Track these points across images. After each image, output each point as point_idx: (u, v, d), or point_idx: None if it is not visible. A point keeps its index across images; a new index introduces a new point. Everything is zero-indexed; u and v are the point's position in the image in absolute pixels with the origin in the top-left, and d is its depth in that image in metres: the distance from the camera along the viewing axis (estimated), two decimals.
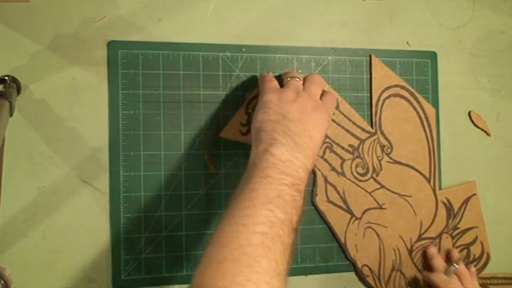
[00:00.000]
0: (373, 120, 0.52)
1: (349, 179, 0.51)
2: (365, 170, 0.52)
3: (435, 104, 0.54)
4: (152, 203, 0.47)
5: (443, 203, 0.54)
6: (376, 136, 0.52)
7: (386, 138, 0.52)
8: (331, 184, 0.51)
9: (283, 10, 0.51)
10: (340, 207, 0.51)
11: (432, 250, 0.52)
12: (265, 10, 0.50)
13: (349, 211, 0.51)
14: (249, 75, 0.49)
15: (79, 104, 0.46)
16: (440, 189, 0.54)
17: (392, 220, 0.52)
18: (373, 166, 0.52)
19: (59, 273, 0.45)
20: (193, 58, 0.48)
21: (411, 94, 0.53)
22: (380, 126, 0.52)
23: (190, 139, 0.48)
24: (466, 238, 0.54)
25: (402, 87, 0.53)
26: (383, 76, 0.52)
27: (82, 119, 0.46)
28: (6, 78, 0.42)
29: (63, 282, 0.45)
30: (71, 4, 0.46)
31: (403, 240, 0.52)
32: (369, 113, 0.52)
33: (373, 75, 0.52)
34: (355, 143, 0.51)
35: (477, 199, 0.55)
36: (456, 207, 0.54)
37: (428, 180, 0.53)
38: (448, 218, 0.54)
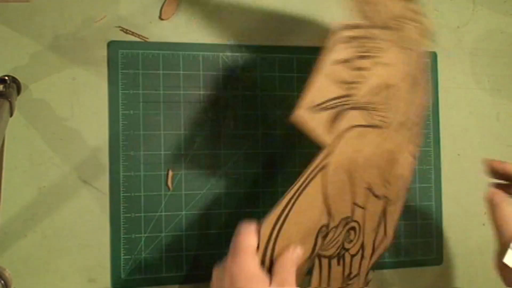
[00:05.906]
0: None
1: None
2: None
3: (435, 104, 0.54)
4: (152, 203, 0.47)
5: None
6: None
7: None
8: None
9: (283, 10, 0.51)
10: None
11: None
12: (265, 10, 0.50)
13: None
14: (249, 75, 0.49)
15: (79, 104, 0.46)
16: None
17: None
18: None
19: (59, 273, 0.45)
20: (193, 58, 0.48)
21: None
22: None
23: (190, 139, 0.48)
24: None
25: None
26: None
27: (82, 119, 0.46)
28: (6, 78, 0.42)
29: (63, 282, 0.45)
30: (71, 4, 0.46)
31: None
32: None
33: None
34: None
35: None
36: None
37: None
38: None
